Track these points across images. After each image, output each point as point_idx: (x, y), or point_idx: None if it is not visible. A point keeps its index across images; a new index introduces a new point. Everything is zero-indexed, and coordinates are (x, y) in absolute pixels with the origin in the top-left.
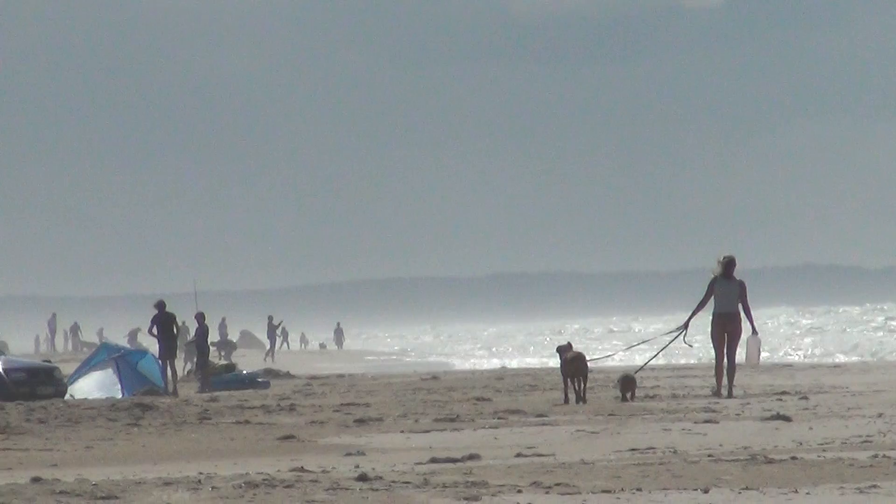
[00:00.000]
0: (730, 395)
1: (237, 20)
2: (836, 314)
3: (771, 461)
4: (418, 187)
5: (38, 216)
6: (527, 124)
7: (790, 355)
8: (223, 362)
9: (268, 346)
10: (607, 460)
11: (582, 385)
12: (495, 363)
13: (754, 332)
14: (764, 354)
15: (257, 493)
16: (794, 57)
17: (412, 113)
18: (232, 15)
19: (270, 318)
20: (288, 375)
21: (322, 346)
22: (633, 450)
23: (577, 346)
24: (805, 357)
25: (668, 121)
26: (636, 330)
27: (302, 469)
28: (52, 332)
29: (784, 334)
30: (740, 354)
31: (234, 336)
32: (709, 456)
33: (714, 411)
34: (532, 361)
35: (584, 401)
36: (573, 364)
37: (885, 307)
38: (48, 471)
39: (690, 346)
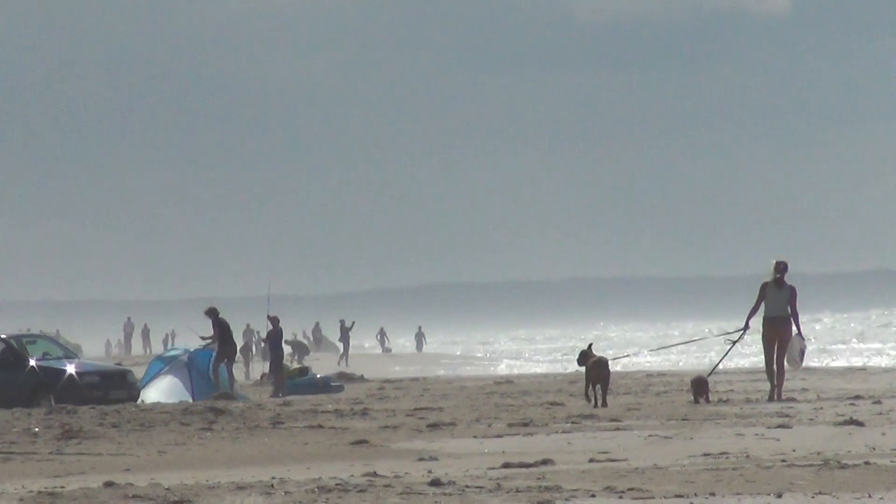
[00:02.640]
0: (779, 399)
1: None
2: None
3: (844, 466)
4: (490, 191)
5: (109, 221)
6: (592, 128)
7: (861, 359)
8: (296, 366)
9: (341, 350)
10: (680, 465)
11: (604, 390)
12: (569, 367)
13: (800, 334)
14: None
15: (330, 498)
16: (860, 62)
17: (477, 117)
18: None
19: (342, 322)
20: (361, 379)
21: (387, 349)
22: (705, 454)
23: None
24: (879, 361)
25: (733, 126)
26: (705, 330)
27: (375, 474)
28: (128, 335)
29: (857, 338)
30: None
31: (306, 340)
32: (782, 461)
33: (787, 416)
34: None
35: (605, 404)
36: (595, 369)
37: None
38: (121, 475)
39: (733, 343)
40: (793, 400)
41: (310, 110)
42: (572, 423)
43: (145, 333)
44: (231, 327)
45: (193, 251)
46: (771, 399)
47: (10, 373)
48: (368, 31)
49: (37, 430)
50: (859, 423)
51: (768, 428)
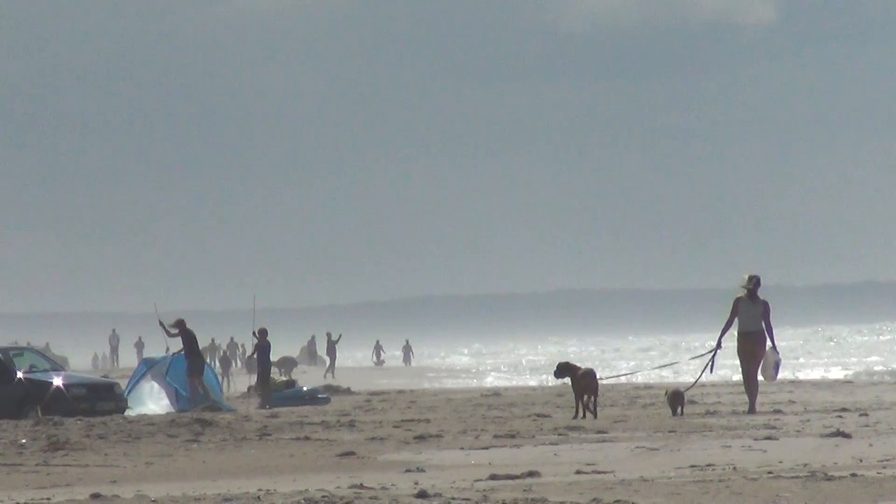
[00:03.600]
0: (752, 411)
1: (289, 36)
2: None
3: (831, 478)
4: (477, 202)
5: (96, 233)
6: (578, 139)
7: (848, 371)
8: (283, 378)
9: (327, 363)
10: (667, 477)
11: (593, 400)
12: (556, 380)
13: (774, 348)
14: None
15: None
16: (847, 73)
17: (466, 128)
18: (285, 30)
19: (329, 335)
20: (348, 391)
21: (381, 362)
22: (692, 466)
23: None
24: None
25: (720, 136)
26: (695, 346)
27: (361, 486)
28: (114, 347)
29: (844, 350)
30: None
31: (294, 352)
32: (768, 473)
33: (774, 428)
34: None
35: (595, 415)
36: (584, 380)
37: None
38: (108, 487)
39: (708, 362)
40: (779, 412)
41: (299, 121)
42: (559, 434)
43: (139, 346)
44: (197, 339)
45: (182, 263)
46: (751, 412)
47: None
48: (357, 42)
49: (24, 441)
50: (846, 435)
51: (755, 440)
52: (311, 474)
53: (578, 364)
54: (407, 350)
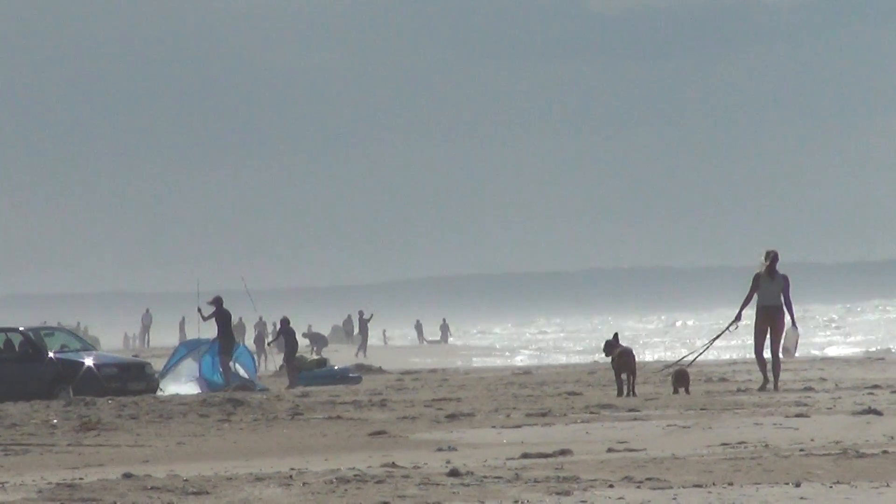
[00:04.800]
0: (775, 389)
1: (311, 19)
2: None
3: (862, 455)
4: (502, 183)
5: (125, 213)
6: (603, 119)
7: (882, 347)
8: (315, 357)
9: (359, 342)
10: (698, 455)
11: (631, 379)
12: (587, 357)
13: (794, 324)
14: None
15: (348, 489)
16: (872, 51)
17: (491, 109)
18: (306, 14)
19: (361, 313)
20: (380, 371)
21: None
22: (724, 444)
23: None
24: None
25: (747, 116)
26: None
27: (393, 465)
28: (146, 327)
29: (878, 327)
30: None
31: (325, 331)
32: (800, 450)
33: (805, 405)
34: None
35: (635, 394)
36: (621, 359)
37: None
38: (139, 467)
39: (735, 326)
40: (811, 389)
41: (333, 101)
42: (590, 413)
43: (182, 325)
44: (231, 318)
45: (214, 242)
46: (763, 389)
47: (29, 365)
48: (378, 22)
49: (55, 421)
50: (878, 413)
51: (786, 417)
52: (343, 453)
53: (621, 343)
54: (444, 329)
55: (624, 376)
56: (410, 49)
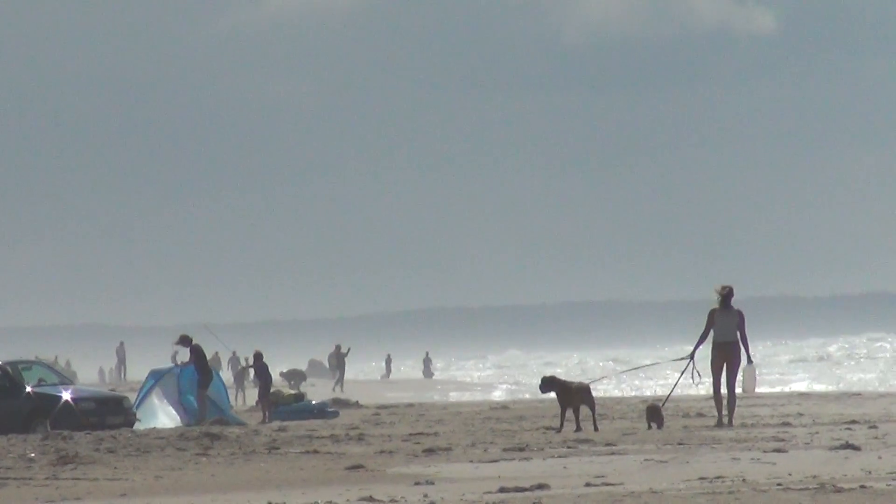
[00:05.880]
0: (729, 424)
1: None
2: None
3: (840, 490)
4: (482, 215)
5: (103, 244)
6: (582, 150)
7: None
8: (292, 391)
9: (336, 376)
10: (676, 489)
11: (592, 413)
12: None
13: (749, 361)
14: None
15: None
16: (849, 82)
17: (466, 141)
18: (287, 44)
19: (338, 347)
20: (357, 405)
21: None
22: (702, 479)
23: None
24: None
25: (720, 148)
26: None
27: (371, 499)
28: (122, 360)
29: (852, 363)
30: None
31: (302, 365)
32: (778, 485)
33: (783, 440)
34: (601, 389)
35: (595, 428)
36: (578, 395)
37: None
38: (117, 501)
39: (698, 378)
40: (788, 424)
41: (305, 131)
42: (568, 447)
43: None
44: (204, 353)
45: (189, 275)
46: (719, 425)
47: (6, 399)
48: (350, 52)
49: (33, 455)
50: (855, 448)
51: (764, 452)
52: (321, 487)
53: (566, 379)
54: (427, 362)
55: (571, 411)
56: (382, 80)
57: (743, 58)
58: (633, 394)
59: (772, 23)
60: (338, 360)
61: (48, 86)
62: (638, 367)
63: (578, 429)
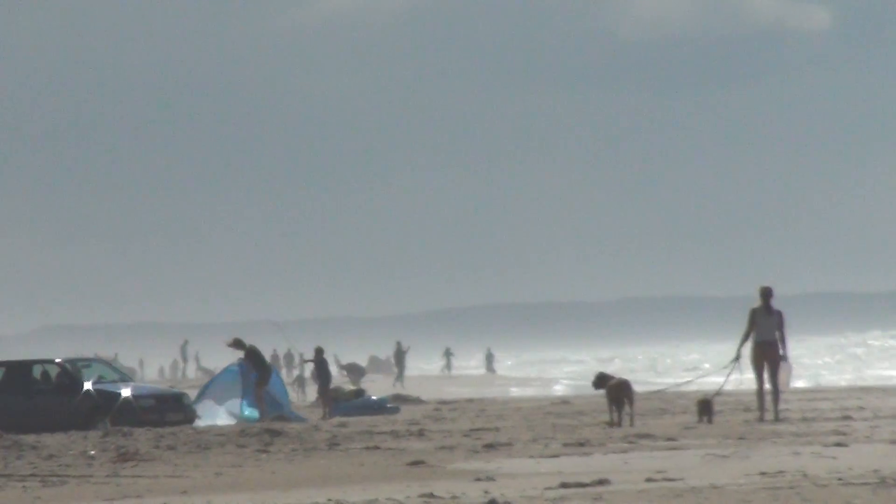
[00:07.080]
0: (776, 419)
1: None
2: None
3: None
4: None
5: (165, 243)
6: (637, 147)
7: None
8: (352, 388)
9: (396, 372)
10: (737, 484)
11: (629, 409)
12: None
13: (785, 358)
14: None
15: None
16: None
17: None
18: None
19: (399, 344)
20: (417, 400)
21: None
22: (762, 473)
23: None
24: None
25: (775, 144)
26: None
27: (431, 495)
28: (185, 358)
29: None
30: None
31: (363, 361)
32: (839, 479)
33: (844, 434)
34: (662, 383)
35: (632, 424)
36: (616, 390)
37: None
38: (178, 498)
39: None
40: (849, 418)
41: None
42: (629, 442)
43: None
44: (260, 352)
45: (249, 273)
46: (761, 420)
47: (66, 396)
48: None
49: (93, 453)
50: None
51: (825, 446)
52: (381, 483)
53: (613, 374)
54: (490, 358)
55: (617, 405)
56: (435, 77)
57: (798, 54)
58: (694, 388)
59: (826, 18)
60: (397, 357)
61: (113, 86)
62: (689, 381)
63: (617, 424)
